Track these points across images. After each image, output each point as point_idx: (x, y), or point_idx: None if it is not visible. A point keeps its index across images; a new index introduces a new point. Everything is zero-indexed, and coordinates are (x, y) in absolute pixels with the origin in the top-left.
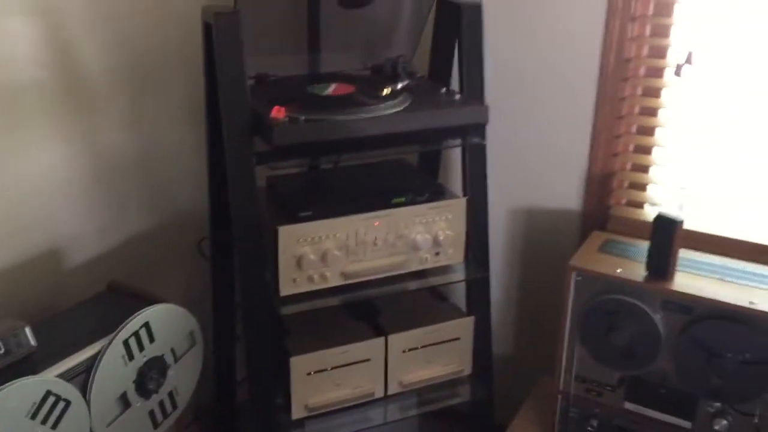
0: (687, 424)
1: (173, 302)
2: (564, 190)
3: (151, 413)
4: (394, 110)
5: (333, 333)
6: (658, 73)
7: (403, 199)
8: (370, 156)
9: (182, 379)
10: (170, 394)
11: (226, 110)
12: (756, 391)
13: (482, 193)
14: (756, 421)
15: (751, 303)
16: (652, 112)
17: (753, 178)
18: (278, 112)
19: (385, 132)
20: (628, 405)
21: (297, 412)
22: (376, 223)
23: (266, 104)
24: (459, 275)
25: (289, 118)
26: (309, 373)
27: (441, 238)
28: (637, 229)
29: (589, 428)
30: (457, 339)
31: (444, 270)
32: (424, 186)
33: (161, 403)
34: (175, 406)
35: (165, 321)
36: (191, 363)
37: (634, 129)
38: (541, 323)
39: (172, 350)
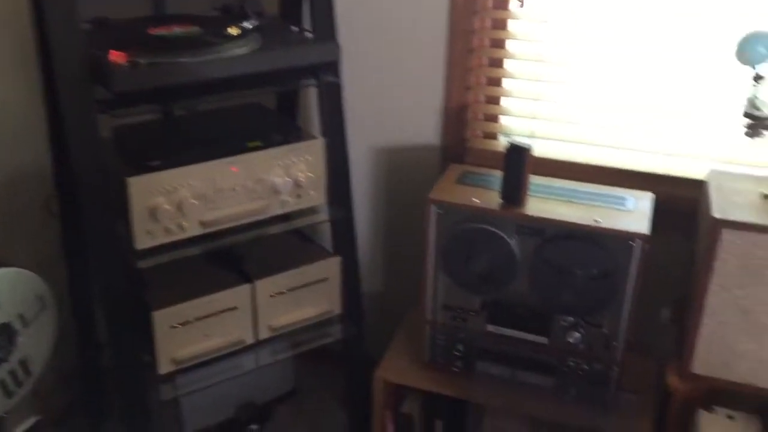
0: (544, 340)
1: (19, 265)
2: (423, 126)
3: (2, 383)
4: (243, 51)
5: (197, 283)
6: (503, 4)
7: (259, 143)
8: (221, 100)
9: (35, 346)
10: (22, 362)
11: (59, 57)
12: (603, 304)
13: (340, 133)
14: (605, 331)
15: (595, 221)
16: (501, 44)
17: (596, 104)
18: (117, 57)
19: (234, 74)
20: (490, 327)
21: (164, 367)
22: (233, 169)
23: (105, 49)
24: (322, 216)
25: (130, 62)
26: (174, 326)
27: (301, 180)
28: (492, 159)
29: (456, 353)
30: (325, 279)
31: (307, 212)
32: (281, 128)
33: (12, 372)
34: (29, 374)
35: (9, 286)
36: (43, 328)
37: (485, 61)
38: (408, 257)
39: (20, 316)
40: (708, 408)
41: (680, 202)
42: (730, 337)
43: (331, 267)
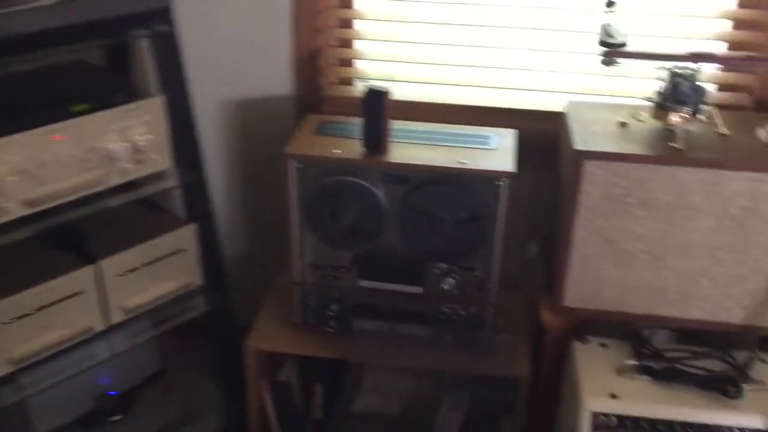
0: (418, 290)
1: None
2: (273, 75)
3: None
4: (52, 1)
5: (31, 271)
6: None
7: (86, 106)
8: (35, 60)
9: None
10: None
11: None
12: (475, 246)
13: (181, 88)
14: (478, 274)
15: (460, 163)
16: None
17: (452, 42)
18: None
19: (44, 27)
20: (363, 283)
21: (2, 368)
22: (57, 138)
23: None
24: (171, 182)
25: None
26: (7, 322)
27: (141, 143)
28: (350, 107)
29: (330, 313)
30: (181, 250)
31: (153, 179)
32: (112, 88)
33: None
34: None
35: None
36: None
37: (334, 1)
38: (271, 217)
39: None
40: (581, 339)
41: (542, 136)
42: (597, 267)
43: (186, 236)
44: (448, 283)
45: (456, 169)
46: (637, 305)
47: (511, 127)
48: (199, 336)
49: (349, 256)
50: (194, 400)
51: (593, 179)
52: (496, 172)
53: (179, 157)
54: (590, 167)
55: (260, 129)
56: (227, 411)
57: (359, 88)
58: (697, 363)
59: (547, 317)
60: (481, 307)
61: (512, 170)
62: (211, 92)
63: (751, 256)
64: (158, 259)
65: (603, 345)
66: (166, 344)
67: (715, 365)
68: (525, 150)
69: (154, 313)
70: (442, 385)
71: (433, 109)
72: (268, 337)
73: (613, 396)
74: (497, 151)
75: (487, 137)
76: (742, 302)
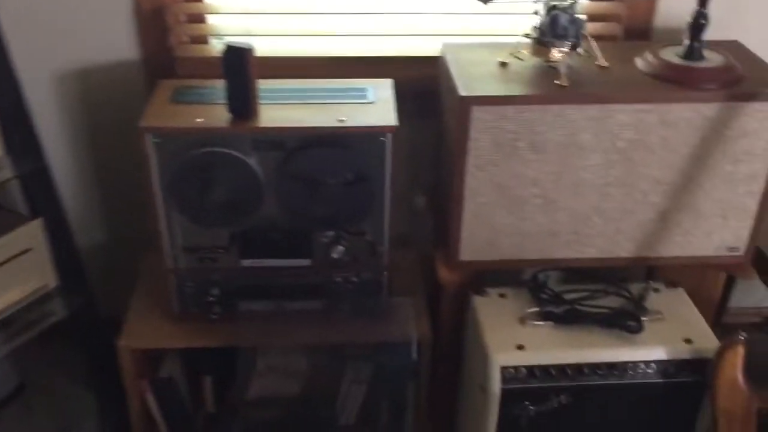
0: (306, 262)
1: None
2: (113, 37)
3: None
4: None
5: None
6: None
7: None
8: None
9: None
10: None
11: None
12: (363, 209)
13: (2, 61)
14: (368, 237)
15: (339, 121)
16: None
17: None
18: None
19: None
20: (245, 262)
21: None
22: None
23: None
24: (4, 173)
25: None
26: None
27: None
28: (208, 68)
29: (211, 298)
30: (28, 250)
31: None
32: None
33: None
34: None
35: None
36: None
37: None
38: (133, 200)
39: None
40: (480, 292)
41: (418, 83)
42: (491, 216)
43: (31, 233)
44: (338, 251)
45: (335, 129)
46: (533, 251)
47: (386, 77)
48: (64, 342)
49: (226, 235)
50: (66, 413)
51: (481, 125)
52: (379, 127)
53: (11, 144)
54: (477, 113)
55: (107, 101)
56: (105, 418)
57: (216, 46)
58: (596, 302)
59: (444, 274)
60: (375, 271)
61: (395, 124)
62: (40, 64)
63: (638, 188)
64: (1, 264)
65: (502, 296)
66: (27, 357)
67: (612, 302)
68: (401, 100)
69: (6, 324)
70: (342, 358)
71: (301, 64)
72: (143, 333)
73: (520, 347)
74: (376, 105)
75: (363, 90)
76: (632, 235)
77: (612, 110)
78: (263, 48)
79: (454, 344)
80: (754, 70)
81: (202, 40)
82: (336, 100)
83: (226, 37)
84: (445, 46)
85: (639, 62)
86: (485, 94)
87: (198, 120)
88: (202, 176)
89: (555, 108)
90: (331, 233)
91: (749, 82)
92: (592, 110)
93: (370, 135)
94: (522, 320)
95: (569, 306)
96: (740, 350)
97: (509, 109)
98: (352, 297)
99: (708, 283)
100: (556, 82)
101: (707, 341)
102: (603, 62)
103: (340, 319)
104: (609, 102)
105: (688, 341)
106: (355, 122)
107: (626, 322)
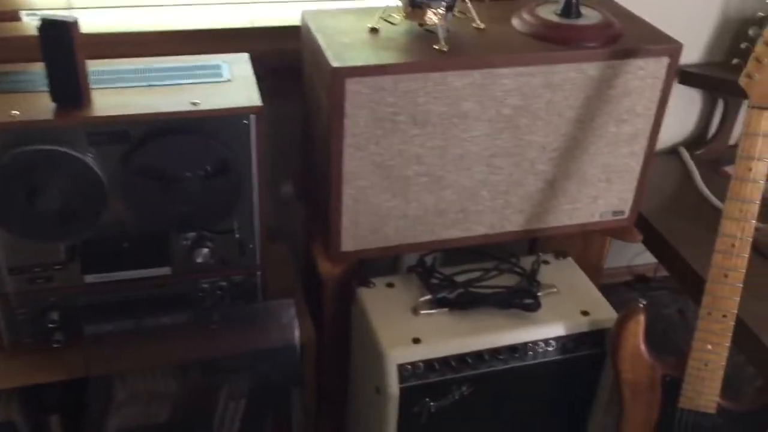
0: (166, 270)
1: None
2: None
3: None
4: None
5: None
6: None
7: None
8: None
9: None
10: None
11: None
12: (229, 204)
13: None
14: (237, 235)
15: (193, 104)
16: None
17: None
18: None
19: None
20: (89, 278)
21: None
22: None
23: None
24: None
25: None
26: None
27: None
28: (22, 49)
29: (51, 324)
30: None
31: None
32: None
33: None
34: None
35: None
36: None
37: None
38: None
39: None
40: (366, 284)
41: (277, 57)
42: (373, 200)
43: None
44: (202, 255)
45: (188, 113)
46: (420, 233)
47: (241, 50)
48: None
49: (63, 249)
50: None
51: (357, 99)
52: (241, 108)
53: None
54: (352, 86)
55: None
56: None
57: (30, 22)
58: (489, 282)
59: (325, 268)
60: (248, 272)
61: (259, 104)
62: None
63: (525, 158)
64: None
65: (390, 285)
66: None
67: (505, 280)
68: (259, 77)
69: None
70: (217, 372)
71: (139, 41)
72: None
73: (416, 341)
74: (234, 83)
75: (217, 67)
76: (520, 207)
77: (496, 75)
78: (90, 23)
79: (341, 344)
80: (632, 26)
81: (13, 16)
82: (186, 80)
83: (42, 11)
84: (306, 13)
85: (516, 22)
86: (359, 64)
87: (13, 113)
88: (26, 181)
89: (436, 76)
90: (192, 235)
91: (630, 38)
92: (476, 76)
93: (230, 118)
94: (414, 310)
95: (463, 289)
96: (641, 319)
97: (387, 80)
98: (222, 304)
99: (592, 249)
100: (434, 47)
101: (604, 311)
102: (480, 24)
103: (211, 330)
104: (493, 66)
105: (585, 313)
106: (211, 104)
107: (523, 300)
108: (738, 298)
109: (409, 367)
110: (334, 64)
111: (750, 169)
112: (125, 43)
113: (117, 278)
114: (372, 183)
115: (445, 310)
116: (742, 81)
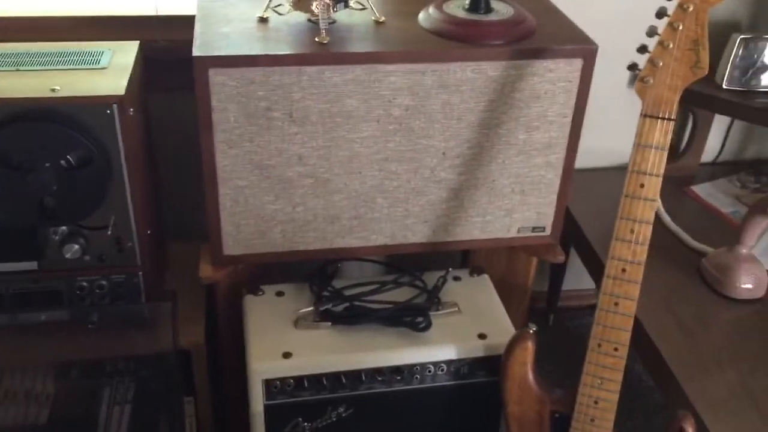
0: (33, 264)
1: None
2: None
3: None
4: None
5: None
6: None
7: None
8: None
9: None
10: None
11: None
12: (98, 197)
13: None
14: (110, 232)
15: (53, 90)
16: None
17: None
18: None
19: None
20: None
21: None
22: None
23: None
24: None
25: None
26: None
27: None
28: None
29: None
30: None
31: None
32: None
33: None
34: None
35: None
36: None
37: None
38: None
39: None
40: (255, 290)
41: (186, 47)
42: (254, 202)
43: None
44: (72, 251)
45: (45, 99)
46: (313, 240)
47: (137, 39)
48: None
49: None
50: None
51: (224, 92)
52: (101, 97)
53: None
54: (216, 77)
55: None
56: None
57: None
58: (384, 296)
59: (206, 271)
60: (128, 271)
61: (122, 93)
62: None
63: (424, 164)
64: None
65: (279, 294)
66: None
67: (403, 294)
68: (156, 69)
69: None
70: (99, 375)
71: (44, 26)
72: None
73: (287, 355)
74: (108, 71)
75: (98, 54)
76: (424, 217)
77: (380, 71)
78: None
79: (240, 352)
80: (550, 24)
81: None
82: (60, 66)
83: None
84: (201, 1)
85: (421, 17)
86: (224, 53)
87: None
88: None
89: (312, 70)
90: (62, 229)
91: (542, 37)
92: (356, 71)
93: (90, 106)
94: (296, 322)
95: (348, 303)
96: (529, 346)
97: (256, 72)
98: (102, 304)
99: (517, 267)
100: (316, 39)
101: (503, 335)
102: (379, 17)
103: (88, 330)
104: (374, 62)
105: (482, 336)
106: (70, 91)
107: (414, 318)
108: (630, 329)
109: (278, 383)
110: (197, 53)
111: (642, 186)
112: (29, 29)
113: None
114: (250, 183)
115: (328, 324)
116: (636, 86)
